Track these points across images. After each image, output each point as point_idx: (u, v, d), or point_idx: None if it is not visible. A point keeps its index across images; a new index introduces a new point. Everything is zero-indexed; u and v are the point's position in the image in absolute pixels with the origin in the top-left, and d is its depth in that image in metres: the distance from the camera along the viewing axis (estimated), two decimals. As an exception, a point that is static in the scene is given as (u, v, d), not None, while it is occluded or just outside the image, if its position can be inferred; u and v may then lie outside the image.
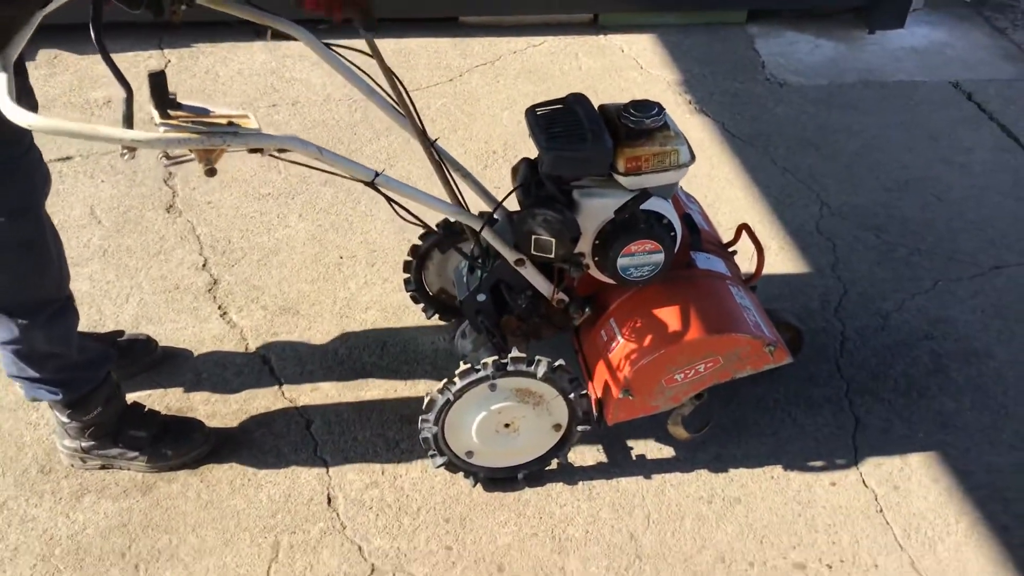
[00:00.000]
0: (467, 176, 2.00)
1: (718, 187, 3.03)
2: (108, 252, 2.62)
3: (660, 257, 1.82)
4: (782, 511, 2.00)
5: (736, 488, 2.05)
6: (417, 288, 2.29)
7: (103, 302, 2.45)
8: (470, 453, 1.95)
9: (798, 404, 2.26)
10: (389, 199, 1.75)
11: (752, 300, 2.00)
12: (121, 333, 2.26)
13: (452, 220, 2.06)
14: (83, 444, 1.98)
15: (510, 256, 1.86)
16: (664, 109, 1.78)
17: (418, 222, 1.86)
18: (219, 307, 2.46)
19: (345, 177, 1.70)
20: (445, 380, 1.85)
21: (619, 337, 1.91)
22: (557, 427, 1.95)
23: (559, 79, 3.58)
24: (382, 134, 3.19)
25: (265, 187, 2.92)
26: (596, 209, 1.79)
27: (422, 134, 1.83)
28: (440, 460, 1.95)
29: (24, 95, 1.55)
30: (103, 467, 2.03)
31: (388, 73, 1.78)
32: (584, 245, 1.83)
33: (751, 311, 1.94)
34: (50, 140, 2.81)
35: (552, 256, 1.81)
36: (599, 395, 1.94)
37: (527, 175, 1.85)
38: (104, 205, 2.80)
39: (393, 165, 3.03)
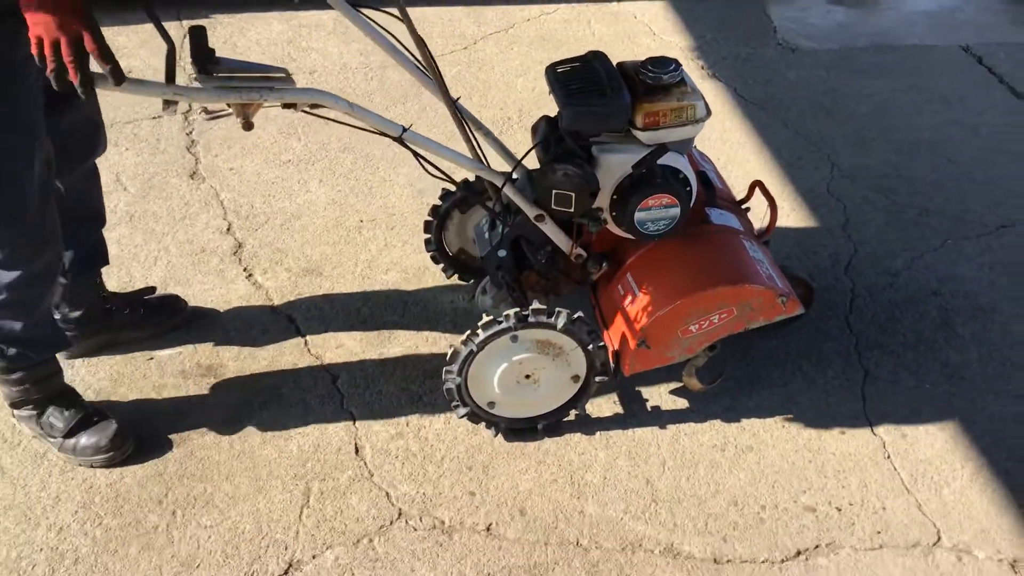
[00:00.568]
0: (488, 135, 2.06)
1: (730, 150, 3.07)
2: (135, 217, 2.69)
3: (676, 211, 1.88)
4: (793, 458, 2.07)
5: (748, 437, 2.11)
6: (437, 248, 2.35)
7: (132, 264, 2.52)
8: (492, 404, 2.01)
9: (809, 358, 2.32)
10: (416, 154, 1.81)
11: (765, 254, 2.06)
12: (152, 290, 2.33)
13: (473, 178, 2.11)
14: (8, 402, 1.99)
15: (530, 212, 1.91)
16: (681, 65, 1.83)
17: (445, 177, 1.91)
18: (244, 269, 2.53)
19: (373, 132, 1.75)
20: (468, 332, 1.91)
21: (636, 290, 1.97)
22: (575, 378, 2.02)
23: (572, 46, 3.61)
24: (398, 101, 3.23)
25: (286, 154, 2.98)
26: (614, 164, 1.85)
27: (446, 94, 1.89)
28: (463, 410, 2.01)
29: None
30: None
31: (416, 37, 1.83)
32: (602, 200, 1.89)
33: (764, 264, 1.99)
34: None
35: (572, 210, 1.86)
36: (616, 347, 2.01)
37: (547, 132, 1.90)
38: (129, 172, 2.86)
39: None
